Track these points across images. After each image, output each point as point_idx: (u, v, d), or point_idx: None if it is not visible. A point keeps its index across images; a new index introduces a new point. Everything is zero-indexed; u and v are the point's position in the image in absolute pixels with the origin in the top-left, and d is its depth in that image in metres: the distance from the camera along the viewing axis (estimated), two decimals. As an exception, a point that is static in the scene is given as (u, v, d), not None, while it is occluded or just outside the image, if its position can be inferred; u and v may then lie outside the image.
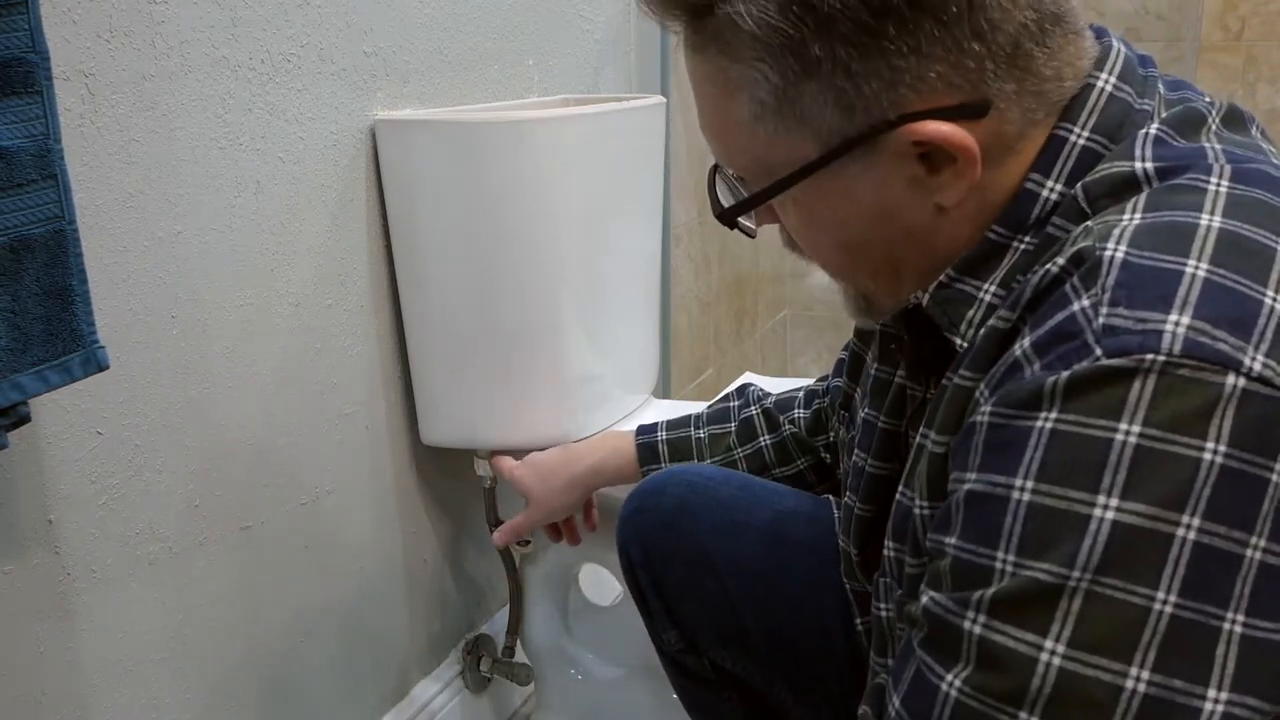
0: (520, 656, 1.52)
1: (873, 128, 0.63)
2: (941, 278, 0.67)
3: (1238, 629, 0.51)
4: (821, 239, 0.71)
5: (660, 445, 1.16)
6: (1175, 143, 0.63)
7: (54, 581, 0.95)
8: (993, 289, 0.66)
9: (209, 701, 1.12)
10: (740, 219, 0.73)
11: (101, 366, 0.85)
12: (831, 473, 1.12)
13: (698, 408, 1.21)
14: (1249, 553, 0.51)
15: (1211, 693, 0.51)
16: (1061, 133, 0.65)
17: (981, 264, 0.66)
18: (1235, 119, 0.66)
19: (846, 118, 0.63)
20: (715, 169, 0.74)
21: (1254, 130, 0.67)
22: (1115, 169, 0.62)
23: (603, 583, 1.52)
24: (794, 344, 2.76)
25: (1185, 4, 2.28)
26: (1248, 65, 2.55)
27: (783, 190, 0.67)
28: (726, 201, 0.72)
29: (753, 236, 0.76)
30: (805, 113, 0.64)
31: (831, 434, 1.10)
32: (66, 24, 0.90)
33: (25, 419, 0.82)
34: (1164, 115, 0.65)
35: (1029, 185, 0.65)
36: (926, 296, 0.68)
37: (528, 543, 1.42)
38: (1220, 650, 0.51)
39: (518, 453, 1.37)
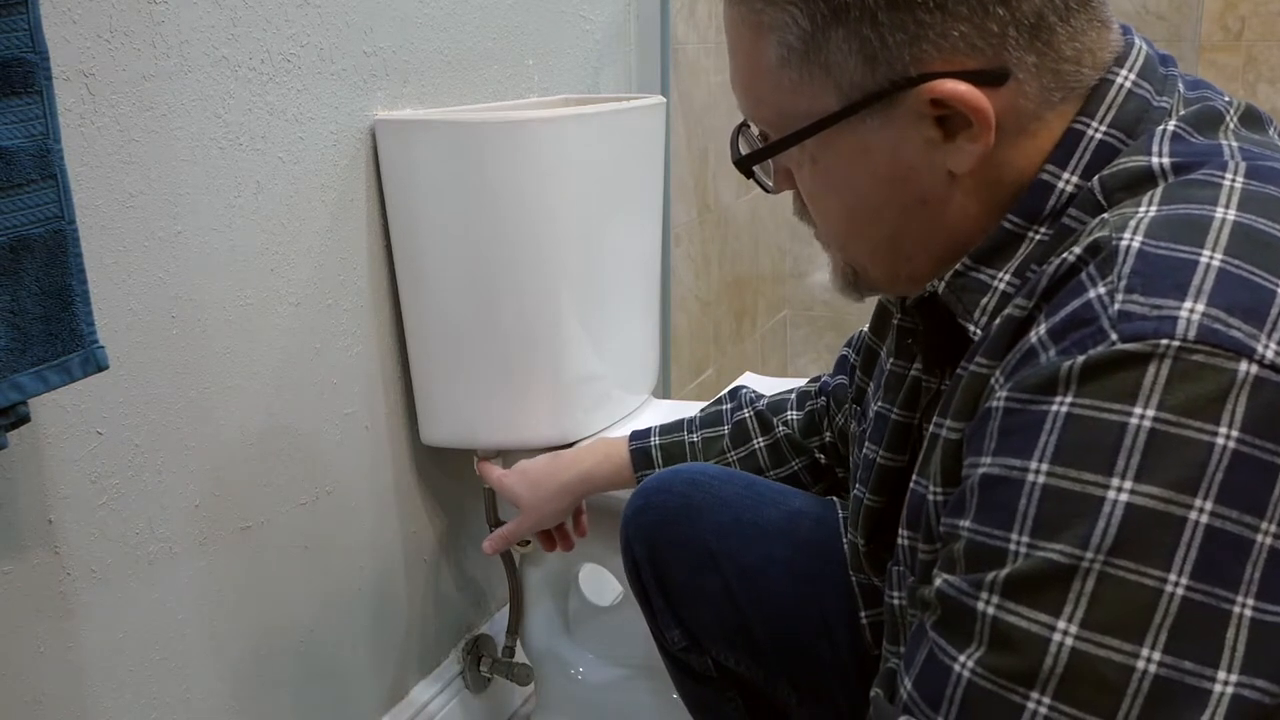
0: (520, 657, 1.52)
1: (893, 83, 0.64)
2: (958, 266, 0.68)
3: (1248, 612, 0.52)
4: (832, 202, 0.72)
5: (654, 450, 1.16)
6: (1193, 139, 0.64)
7: (54, 581, 0.95)
8: (1007, 278, 0.66)
9: (209, 701, 1.12)
10: (759, 173, 0.74)
11: (101, 366, 0.85)
12: (826, 474, 1.12)
13: (697, 408, 1.21)
14: (1260, 537, 0.52)
15: (1221, 674, 0.52)
16: (1079, 126, 0.65)
17: (997, 253, 0.67)
18: (1253, 118, 0.67)
19: (869, 69, 0.64)
20: (741, 125, 0.75)
21: (1271, 131, 0.68)
22: (1132, 163, 0.63)
23: (603, 583, 1.52)
24: (794, 344, 2.76)
25: (1185, 4, 2.28)
26: (1248, 65, 2.55)
27: (800, 140, 0.68)
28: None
29: (769, 191, 0.77)
30: (830, 61, 0.65)
31: (826, 434, 1.10)
32: (66, 24, 0.90)
33: (25, 419, 0.82)
34: (1182, 113, 0.66)
35: (1045, 176, 0.65)
36: (942, 285, 0.69)
37: (528, 543, 1.42)
38: (1230, 633, 0.52)
39: (513, 455, 1.37)
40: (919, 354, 0.79)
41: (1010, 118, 0.64)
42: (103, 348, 0.85)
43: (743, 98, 0.72)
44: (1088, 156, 0.65)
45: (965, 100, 0.62)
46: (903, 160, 0.66)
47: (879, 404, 0.83)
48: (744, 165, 0.73)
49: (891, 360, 0.83)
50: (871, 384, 0.89)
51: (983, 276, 0.67)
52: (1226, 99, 0.67)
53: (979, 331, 0.67)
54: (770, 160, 0.73)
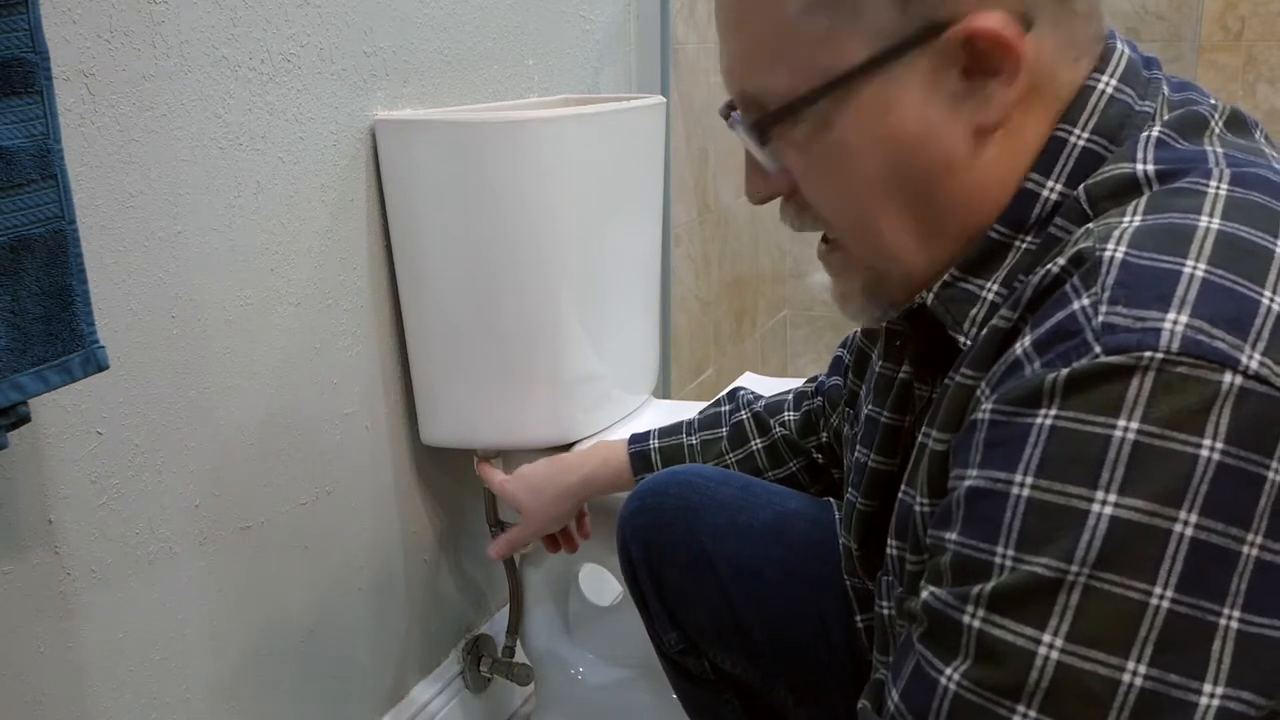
0: (520, 657, 1.52)
1: (927, 24, 0.62)
2: (946, 277, 0.68)
3: (1234, 624, 0.52)
4: (848, 176, 0.67)
5: (653, 454, 1.16)
6: (1177, 145, 0.63)
7: (54, 581, 0.95)
8: (995, 288, 0.66)
9: (208, 701, 1.12)
10: (766, 155, 0.69)
11: (101, 366, 0.85)
12: (824, 474, 1.12)
13: (697, 409, 1.21)
14: (1245, 549, 0.52)
15: (1207, 687, 0.51)
16: (1061, 134, 0.65)
17: (984, 263, 0.66)
18: (1239, 123, 0.67)
19: (900, 10, 0.62)
20: (730, 105, 0.71)
21: (1257, 135, 0.67)
22: (1117, 171, 0.63)
23: (603, 583, 1.52)
24: (794, 344, 2.76)
25: (1185, 4, 2.28)
26: (1248, 65, 2.55)
27: (827, 94, 0.65)
28: (749, 145, 0.70)
29: (759, 191, 0.73)
30: (859, 4, 0.63)
31: (824, 434, 1.10)
32: (66, 24, 0.90)
33: (25, 419, 0.82)
34: (1166, 118, 0.65)
35: (1028, 185, 0.65)
36: (931, 296, 0.69)
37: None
38: (1216, 645, 0.52)
39: (513, 455, 1.37)
40: (907, 358, 0.79)
41: (1031, 72, 0.63)
42: (103, 348, 0.85)
43: (752, 68, 0.67)
44: (1071, 164, 0.65)
45: (1001, 38, 0.61)
46: (928, 116, 0.64)
47: (869, 407, 0.83)
48: (762, 128, 0.68)
49: (881, 363, 0.82)
50: (864, 387, 0.89)
51: (971, 287, 0.67)
52: (1212, 102, 0.67)
53: (968, 342, 0.66)
54: (773, 143, 0.69)
